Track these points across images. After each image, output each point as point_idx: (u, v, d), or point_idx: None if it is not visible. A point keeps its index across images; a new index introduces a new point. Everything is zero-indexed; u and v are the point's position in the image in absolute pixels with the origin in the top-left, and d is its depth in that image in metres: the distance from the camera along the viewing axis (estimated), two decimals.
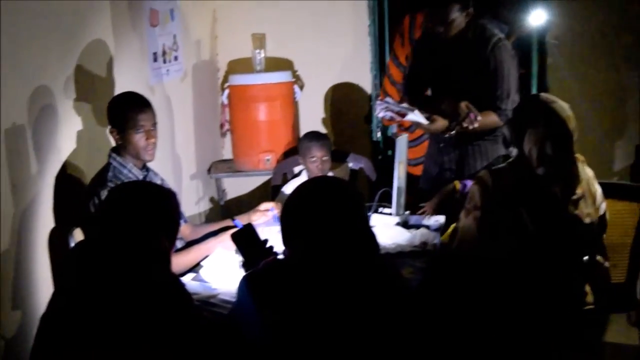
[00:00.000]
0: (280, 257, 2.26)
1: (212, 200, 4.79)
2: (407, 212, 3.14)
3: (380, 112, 3.26)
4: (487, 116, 3.13)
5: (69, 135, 3.03)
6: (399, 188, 3.11)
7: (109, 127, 2.78)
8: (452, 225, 2.71)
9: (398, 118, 3.16)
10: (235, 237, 2.36)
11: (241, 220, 2.93)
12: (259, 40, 4.53)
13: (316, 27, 4.74)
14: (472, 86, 3.15)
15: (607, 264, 2.60)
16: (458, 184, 3.10)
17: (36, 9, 2.73)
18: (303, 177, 3.57)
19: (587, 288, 2.57)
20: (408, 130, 4.08)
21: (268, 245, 2.34)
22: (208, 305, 2.33)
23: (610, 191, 2.71)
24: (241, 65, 4.76)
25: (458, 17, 3.08)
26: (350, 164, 3.90)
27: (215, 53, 4.85)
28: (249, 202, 4.80)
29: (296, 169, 3.90)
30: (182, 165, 4.33)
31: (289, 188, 3.55)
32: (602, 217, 2.60)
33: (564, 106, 2.47)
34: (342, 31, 4.74)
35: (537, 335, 2.44)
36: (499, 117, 3.16)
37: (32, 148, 2.73)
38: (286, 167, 3.92)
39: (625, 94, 4.45)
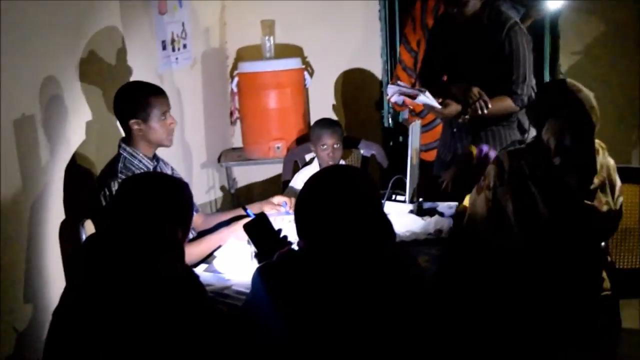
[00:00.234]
0: (295, 247, 2.23)
1: (222, 188, 4.79)
2: (421, 199, 3.10)
3: (392, 95, 3.23)
4: (502, 101, 3.10)
5: (78, 125, 3.01)
6: (412, 175, 3.07)
7: (131, 119, 2.71)
8: (468, 196, 2.67)
9: (410, 100, 3.12)
10: (247, 228, 2.33)
11: (253, 210, 2.93)
12: (268, 27, 4.51)
13: (326, 12, 4.70)
14: (487, 71, 3.12)
15: None
16: (474, 149, 3.07)
17: None
18: (314, 165, 3.55)
19: (604, 274, 2.53)
20: (419, 115, 4.04)
21: (282, 235, 2.32)
22: (221, 296, 2.31)
23: (626, 175, 2.66)
24: (250, 53, 4.75)
25: None
26: (362, 151, 3.87)
27: (224, 40, 4.83)
28: (259, 190, 4.82)
29: (307, 157, 3.88)
30: (192, 154, 4.32)
31: (297, 182, 3.53)
32: (618, 211, 2.53)
33: (589, 96, 2.37)
34: (352, 16, 4.71)
35: (552, 324, 2.41)
36: (514, 102, 3.13)
37: (41, 139, 2.71)
38: (297, 155, 3.89)
39: None
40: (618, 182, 2.52)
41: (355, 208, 1.83)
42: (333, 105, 4.85)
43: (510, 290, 2.46)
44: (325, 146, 3.41)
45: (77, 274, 1.90)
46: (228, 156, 4.69)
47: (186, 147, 4.21)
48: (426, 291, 1.94)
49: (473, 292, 2.48)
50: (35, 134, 2.68)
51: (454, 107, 3.10)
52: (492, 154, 3.00)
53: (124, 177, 2.62)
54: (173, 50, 3.95)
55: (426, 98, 3.07)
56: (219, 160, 4.68)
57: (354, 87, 4.83)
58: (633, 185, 2.78)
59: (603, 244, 2.57)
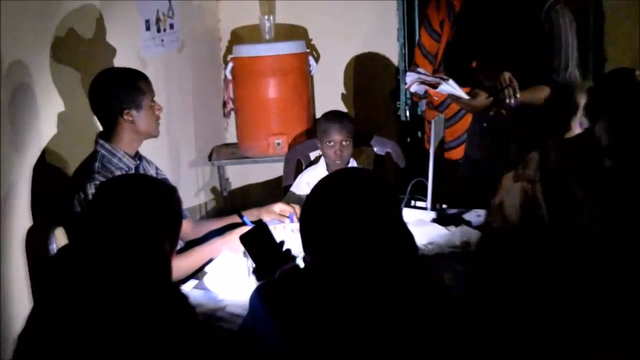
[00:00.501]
0: (300, 263, 2.23)
1: (213, 190, 4.79)
2: (445, 206, 3.09)
3: (411, 84, 3.21)
4: (541, 91, 3.07)
5: (49, 117, 3.01)
6: (435, 177, 3.04)
7: (124, 110, 2.73)
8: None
9: (433, 90, 3.10)
10: (244, 239, 2.30)
11: (250, 217, 2.91)
12: (268, 5, 4.54)
13: None
14: (524, 57, 3.10)
15: None
16: None
17: None
18: (320, 165, 3.54)
19: None
20: (438, 109, 4.02)
21: (284, 248, 2.29)
22: (213, 319, 2.29)
23: None
24: (247, 34, 4.75)
25: None
26: (375, 149, 3.86)
27: (217, 20, 4.83)
28: (256, 193, 4.80)
29: (312, 155, 3.87)
30: (179, 150, 4.33)
31: (301, 185, 3.52)
32: None
33: None
34: None
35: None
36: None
37: (5, 133, 2.69)
38: (301, 153, 3.87)
39: None
40: None
41: (370, 218, 1.82)
42: (342, 95, 4.85)
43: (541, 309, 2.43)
44: (332, 143, 3.40)
45: (46, 293, 1.87)
46: (221, 153, 4.68)
47: (172, 142, 4.21)
48: (454, 314, 1.92)
49: (507, 316, 2.44)
50: None
51: (483, 98, 3.07)
52: None
53: (102, 178, 2.62)
54: (158, 31, 3.95)
55: (450, 87, 3.05)
56: (210, 157, 4.68)
57: (366, 74, 4.82)
58: None
59: None
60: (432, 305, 1.85)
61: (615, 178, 2.38)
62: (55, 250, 2.51)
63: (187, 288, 2.49)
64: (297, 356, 1.75)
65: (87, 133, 2.98)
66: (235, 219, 2.99)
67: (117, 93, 2.74)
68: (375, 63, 4.78)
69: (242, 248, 2.34)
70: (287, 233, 2.85)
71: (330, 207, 1.84)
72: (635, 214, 2.40)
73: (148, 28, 3.84)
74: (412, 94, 4.31)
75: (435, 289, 1.91)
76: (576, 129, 2.57)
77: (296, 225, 2.91)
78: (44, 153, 2.94)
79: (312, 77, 4.66)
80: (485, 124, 3.31)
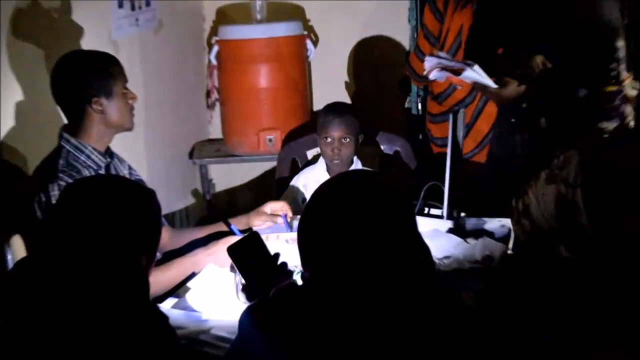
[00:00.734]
0: (297, 279, 2.24)
1: (195, 193, 4.79)
2: (463, 214, 3.07)
3: (431, 70, 3.20)
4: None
5: (5, 108, 3.01)
6: (452, 180, 3.02)
7: (93, 98, 2.73)
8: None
9: (457, 79, 3.10)
10: (233, 251, 2.30)
11: (238, 225, 2.92)
12: None
13: None
14: (563, 44, 3.08)
15: None
16: None
17: None
18: (319, 165, 3.55)
19: None
20: (437, 100, 3.99)
21: (279, 262, 2.30)
22: (196, 344, 2.27)
23: None
24: (235, 13, 4.76)
25: None
26: (382, 147, 3.86)
27: None
28: (244, 196, 4.79)
29: (310, 154, 3.87)
30: (155, 147, 4.32)
31: (301, 180, 3.52)
32: None
33: None
34: None
35: None
36: None
37: None
38: (296, 151, 3.88)
39: None
40: None
41: (379, 230, 1.81)
42: (346, 84, 4.86)
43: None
44: (329, 139, 3.40)
45: (3, 311, 1.85)
46: (203, 150, 4.70)
47: (148, 138, 4.21)
48: (477, 337, 1.92)
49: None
50: None
51: (514, 87, 3.08)
52: None
53: (67, 177, 2.63)
54: (132, 9, 3.97)
55: (476, 74, 3.06)
56: (190, 155, 4.69)
57: (372, 60, 4.83)
58: None
59: None
60: (450, 335, 1.84)
61: None
62: (11, 262, 2.50)
63: (166, 307, 2.48)
64: None
65: (49, 126, 2.98)
66: (221, 227, 2.99)
67: (84, 79, 2.74)
68: (382, 47, 4.80)
69: (229, 261, 2.34)
70: (281, 244, 2.85)
71: (332, 217, 1.82)
72: None
73: (121, 5, 3.85)
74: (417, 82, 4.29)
75: (455, 311, 1.90)
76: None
77: (291, 235, 2.90)
78: None
79: (309, 63, 4.67)
80: (513, 120, 3.31)
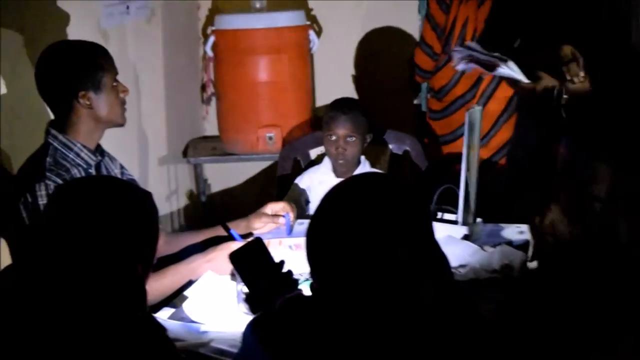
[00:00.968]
0: (304, 288, 2.24)
1: (190, 195, 4.80)
2: (479, 220, 3.07)
3: (460, 62, 3.22)
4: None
5: None
6: (468, 185, 3.01)
7: (80, 92, 2.73)
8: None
9: (486, 73, 3.09)
10: (235, 258, 2.30)
11: (237, 229, 2.92)
12: None
13: None
14: (588, 36, 3.07)
15: None
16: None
17: None
18: (324, 165, 3.54)
19: None
20: (437, 96, 3.98)
21: (284, 270, 2.29)
22: (196, 357, 2.27)
23: None
24: (233, 2, 4.73)
25: None
26: (391, 146, 3.86)
27: None
28: (242, 197, 4.79)
29: (313, 153, 3.87)
30: (147, 144, 4.32)
31: (305, 181, 3.52)
32: None
33: None
34: None
35: None
36: None
37: None
38: (298, 150, 3.89)
39: None
40: None
41: (394, 238, 1.79)
42: (353, 77, 4.86)
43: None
44: (333, 137, 3.40)
45: None
46: (198, 148, 4.70)
47: (140, 135, 4.21)
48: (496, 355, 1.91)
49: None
50: None
51: (548, 81, 3.09)
52: None
53: (55, 177, 2.63)
54: None
55: (510, 70, 3.10)
56: (185, 153, 4.70)
57: (379, 53, 4.83)
58: None
59: None
60: (469, 353, 1.83)
61: None
62: None
63: (163, 317, 2.47)
64: None
65: (35, 121, 2.99)
66: (218, 231, 3.00)
67: (69, 71, 2.74)
68: (390, 39, 4.80)
69: (229, 268, 2.37)
70: (284, 250, 2.85)
71: (344, 225, 1.80)
72: None
73: None
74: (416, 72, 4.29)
75: (475, 325, 1.89)
76: None
77: (294, 241, 2.88)
78: None
79: (312, 55, 4.68)
80: (535, 118, 3.30)
